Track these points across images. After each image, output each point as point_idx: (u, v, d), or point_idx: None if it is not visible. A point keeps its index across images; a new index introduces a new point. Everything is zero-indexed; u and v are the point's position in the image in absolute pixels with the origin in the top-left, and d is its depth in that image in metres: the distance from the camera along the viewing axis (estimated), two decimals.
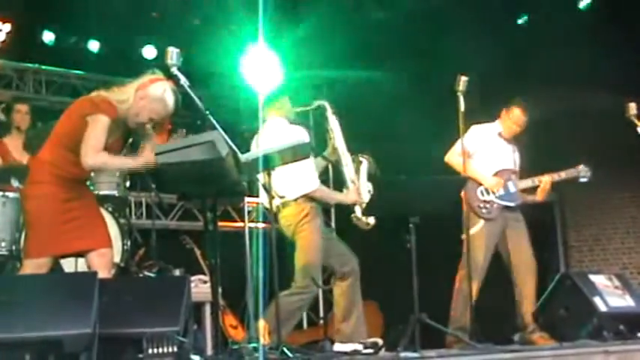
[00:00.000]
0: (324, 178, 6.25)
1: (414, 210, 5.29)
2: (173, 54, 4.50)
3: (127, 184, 7.11)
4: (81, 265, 5.04)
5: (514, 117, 6.58)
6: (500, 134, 6.65)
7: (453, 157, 6.43)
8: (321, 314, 9.40)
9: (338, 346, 5.56)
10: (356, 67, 9.22)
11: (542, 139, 6.83)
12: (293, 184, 5.50)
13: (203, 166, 4.29)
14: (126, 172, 6.54)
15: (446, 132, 6.30)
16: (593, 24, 8.40)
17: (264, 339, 5.16)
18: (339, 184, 5.89)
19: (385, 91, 9.04)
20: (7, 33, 8.41)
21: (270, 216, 5.12)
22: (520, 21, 9.28)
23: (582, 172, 6.64)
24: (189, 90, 4.49)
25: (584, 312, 5.82)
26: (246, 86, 8.57)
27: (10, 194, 6.02)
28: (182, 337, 4.07)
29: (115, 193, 6.88)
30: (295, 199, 5.54)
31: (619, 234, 9.95)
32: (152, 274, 7.16)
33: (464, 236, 6.16)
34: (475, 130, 6.56)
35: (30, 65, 9.46)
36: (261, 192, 5.30)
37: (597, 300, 5.84)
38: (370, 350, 5.42)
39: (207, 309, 7.11)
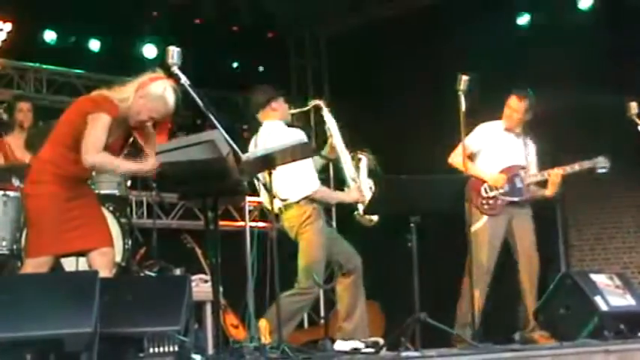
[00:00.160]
0: (324, 177, 6.24)
1: (415, 209, 5.27)
2: (174, 53, 4.50)
3: (128, 183, 7.12)
4: (82, 264, 5.03)
5: (512, 105, 6.53)
6: (506, 129, 6.59)
7: (457, 158, 6.37)
8: (322, 314, 9.40)
9: (339, 344, 5.56)
10: None
11: (542, 138, 6.79)
12: (294, 186, 5.49)
13: (204, 165, 4.28)
14: (127, 175, 6.54)
15: (447, 132, 6.29)
16: (593, 24, 8.40)
17: (265, 338, 5.16)
18: (340, 182, 5.89)
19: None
20: (8, 32, 8.43)
21: (270, 216, 5.12)
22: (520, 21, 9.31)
23: (601, 163, 6.41)
24: (189, 89, 4.49)
25: (585, 311, 5.81)
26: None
27: (11, 193, 6.02)
28: (183, 336, 4.07)
29: (116, 192, 6.88)
30: (297, 202, 5.54)
31: (620, 233, 9.94)
32: (153, 274, 7.15)
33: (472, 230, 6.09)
34: (481, 128, 6.55)
35: (31, 64, 9.47)
36: (262, 192, 5.29)
37: (598, 299, 5.83)
38: (371, 349, 5.42)
39: (208, 308, 7.11)
